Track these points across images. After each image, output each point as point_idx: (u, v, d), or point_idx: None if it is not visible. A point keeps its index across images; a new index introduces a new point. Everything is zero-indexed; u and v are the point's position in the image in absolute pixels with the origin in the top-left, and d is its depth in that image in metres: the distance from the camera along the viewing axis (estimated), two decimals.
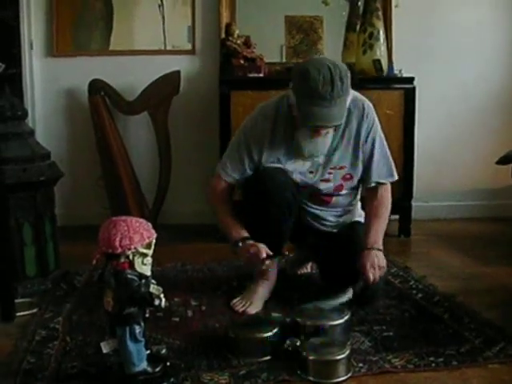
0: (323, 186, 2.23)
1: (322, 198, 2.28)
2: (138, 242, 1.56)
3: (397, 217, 3.35)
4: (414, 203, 3.35)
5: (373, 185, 2.24)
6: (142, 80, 3.32)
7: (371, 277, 2.07)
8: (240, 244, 2.15)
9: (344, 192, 2.27)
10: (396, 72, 3.33)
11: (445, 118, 3.69)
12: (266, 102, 2.24)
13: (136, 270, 1.58)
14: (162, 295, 1.62)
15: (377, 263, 2.09)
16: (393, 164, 2.26)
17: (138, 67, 3.48)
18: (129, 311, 1.58)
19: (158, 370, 1.66)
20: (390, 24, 3.51)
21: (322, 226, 2.33)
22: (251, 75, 3.27)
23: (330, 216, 2.32)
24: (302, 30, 3.59)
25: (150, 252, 1.61)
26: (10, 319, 2.17)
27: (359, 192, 2.34)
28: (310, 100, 1.97)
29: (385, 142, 2.25)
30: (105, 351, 1.63)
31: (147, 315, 1.65)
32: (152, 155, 3.50)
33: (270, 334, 1.84)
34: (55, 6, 3.46)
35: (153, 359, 1.68)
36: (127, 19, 3.53)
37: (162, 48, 3.54)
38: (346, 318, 1.96)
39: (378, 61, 3.23)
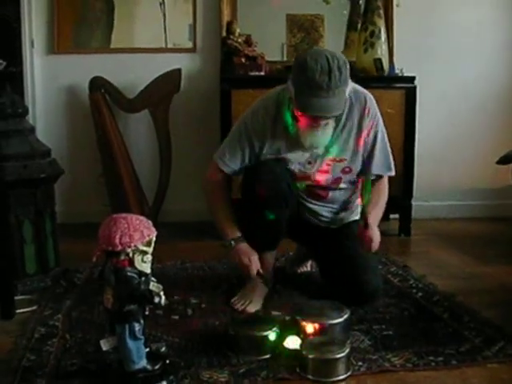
0: (321, 177, 2.23)
1: (318, 193, 2.27)
2: (138, 239, 1.56)
3: (397, 216, 3.36)
4: (414, 202, 3.35)
5: (373, 178, 2.27)
6: (143, 78, 3.32)
7: (374, 246, 2.12)
8: (233, 243, 2.16)
9: (342, 186, 2.26)
10: (397, 71, 3.33)
11: (445, 118, 3.69)
12: (266, 94, 2.24)
13: (136, 268, 1.58)
14: (161, 293, 1.62)
15: (376, 238, 2.13)
16: (392, 158, 2.28)
17: (139, 65, 3.48)
18: (128, 309, 1.58)
19: (157, 367, 1.66)
20: (391, 23, 3.51)
21: (319, 221, 2.33)
22: (252, 73, 3.27)
23: (326, 212, 2.32)
24: (303, 29, 3.59)
25: (150, 250, 1.61)
26: (9, 316, 2.17)
27: (358, 189, 2.34)
28: (308, 90, 1.96)
29: (386, 136, 2.25)
30: (104, 349, 1.63)
31: (147, 313, 1.65)
32: (152, 153, 3.50)
33: (269, 332, 1.85)
34: (56, 4, 3.46)
35: (152, 357, 1.68)
36: (128, 17, 3.53)
37: (163, 46, 3.54)
38: (346, 316, 1.96)
39: (379, 60, 3.23)
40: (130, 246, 1.56)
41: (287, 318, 1.99)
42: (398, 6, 3.48)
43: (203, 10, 3.54)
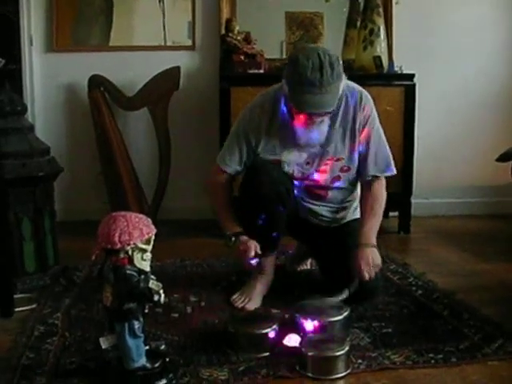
0: (320, 177, 2.23)
1: (318, 193, 2.27)
2: (137, 237, 1.56)
3: (396, 213, 3.36)
4: (413, 200, 3.35)
5: (369, 178, 2.21)
6: (142, 76, 3.31)
7: (366, 275, 2.08)
8: (233, 239, 2.16)
9: (341, 184, 2.25)
10: (396, 69, 3.32)
11: (445, 115, 3.69)
12: (262, 92, 2.24)
13: (135, 266, 1.58)
14: (161, 291, 1.62)
15: (371, 260, 2.09)
16: (391, 157, 2.23)
17: (138, 63, 3.47)
18: (128, 307, 1.58)
19: (156, 365, 1.66)
20: (391, 21, 3.51)
21: (319, 221, 2.33)
22: (251, 71, 3.27)
23: (326, 211, 2.31)
24: (303, 26, 3.59)
25: (150, 247, 1.61)
26: (8, 315, 2.17)
27: (357, 189, 2.33)
28: (300, 87, 1.96)
29: (382, 135, 2.22)
30: (104, 347, 1.63)
31: (146, 311, 1.64)
32: (151, 151, 3.50)
33: (269, 329, 1.85)
34: (55, 1, 3.46)
35: (152, 355, 1.68)
36: (127, 14, 3.52)
37: (162, 44, 3.54)
38: (345, 314, 1.96)
39: (379, 57, 3.22)
40: (129, 244, 1.55)
41: (287, 315, 1.99)
42: (397, 3, 3.48)
43: (202, 7, 3.54)
